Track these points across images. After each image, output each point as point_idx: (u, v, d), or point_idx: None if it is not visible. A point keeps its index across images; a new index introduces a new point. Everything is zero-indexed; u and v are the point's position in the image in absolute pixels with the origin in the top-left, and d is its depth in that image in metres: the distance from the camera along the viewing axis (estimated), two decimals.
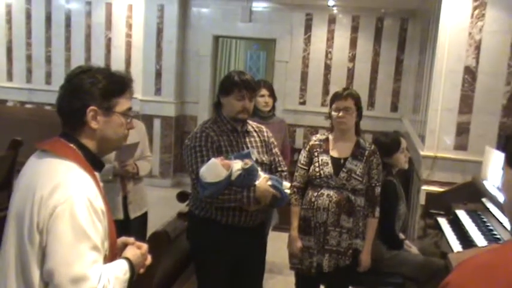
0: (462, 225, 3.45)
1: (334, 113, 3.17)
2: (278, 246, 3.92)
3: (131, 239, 1.89)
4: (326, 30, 7.08)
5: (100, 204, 1.66)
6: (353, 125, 3.20)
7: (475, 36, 4.29)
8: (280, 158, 3.08)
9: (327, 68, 7.13)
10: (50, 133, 1.81)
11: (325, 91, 7.06)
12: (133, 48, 7.61)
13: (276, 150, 3.07)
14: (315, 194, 3.16)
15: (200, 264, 3.00)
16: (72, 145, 1.72)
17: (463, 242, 3.25)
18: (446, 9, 4.33)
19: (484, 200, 3.63)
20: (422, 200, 4.37)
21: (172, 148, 7.48)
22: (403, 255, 3.44)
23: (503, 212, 3.23)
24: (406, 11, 6.79)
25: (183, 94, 7.57)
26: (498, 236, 3.13)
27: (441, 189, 4.27)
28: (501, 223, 3.18)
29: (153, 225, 3.18)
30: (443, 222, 3.73)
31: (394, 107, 7.05)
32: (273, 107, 4.30)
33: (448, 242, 3.34)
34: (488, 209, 3.49)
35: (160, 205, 4.92)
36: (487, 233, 3.22)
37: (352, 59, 7.05)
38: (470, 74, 4.34)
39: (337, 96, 3.19)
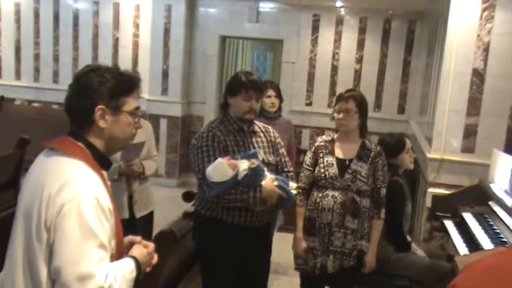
0: (469, 228, 3.43)
1: (335, 115, 3.18)
2: (283, 247, 3.92)
3: (138, 238, 1.90)
4: (333, 31, 7.07)
5: (107, 202, 1.67)
6: (355, 127, 3.19)
7: (483, 38, 4.27)
8: (287, 159, 3.08)
9: (334, 69, 7.12)
10: (57, 132, 1.82)
11: (332, 92, 7.04)
12: (141, 48, 7.63)
13: (282, 150, 3.07)
14: (320, 195, 3.15)
15: (206, 263, 3.00)
16: (80, 144, 1.73)
17: (470, 245, 3.23)
18: (454, 11, 4.31)
19: (491, 203, 3.61)
20: (428, 202, 4.35)
21: (178, 148, 7.49)
22: (410, 258, 3.43)
23: (510, 215, 3.21)
24: (414, 13, 6.77)
25: (190, 94, 7.58)
26: (505, 240, 3.12)
27: (448, 192, 4.25)
28: (508, 226, 3.16)
29: (159, 225, 3.19)
30: (449, 225, 3.72)
31: (401, 109, 7.03)
32: (280, 108, 4.30)
33: (454, 245, 3.33)
34: (495, 212, 3.47)
35: (166, 205, 4.93)
36: (494, 236, 3.20)
37: (360, 60, 7.04)
38: (478, 76, 4.32)
39: (339, 98, 3.20)
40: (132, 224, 3.56)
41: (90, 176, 1.66)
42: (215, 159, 2.72)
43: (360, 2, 6.80)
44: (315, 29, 7.11)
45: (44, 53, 8.02)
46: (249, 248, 2.90)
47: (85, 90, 1.71)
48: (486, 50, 4.28)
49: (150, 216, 3.85)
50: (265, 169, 2.81)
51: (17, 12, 8.05)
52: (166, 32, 7.27)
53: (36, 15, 7.97)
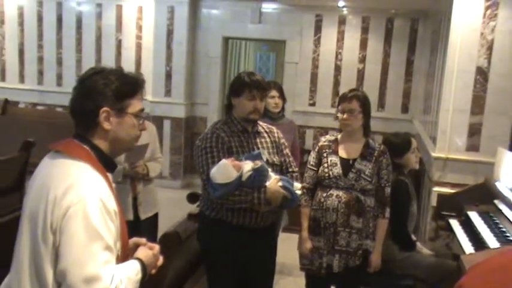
0: (474, 226, 3.42)
1: (339, 115, 3.18)
2: (288, 248, 3.91)
3: (143, 240, 1.90)
4: (336, 31, 7.06)
5: (113, 204, 1.67)
6: (359, 126, 3.19)
7: (487, 37, 4.26)
8: (291, 159, 3.08)
9: (337, 69, 7.11)
10: (62, 134, 1.82)
11: (335, 92, 7.04)
12: (144, 50, 7.65)
13: (286, 151, 3.07)
14: (324, 194, 3.15)
15: (211, 265, 3.00)
16: (85, 146, 1.73)
17: (475, 243, 3.22)
18: (458, 9, 4.30)
19: (496, 201, 3.60)
20: (433, 201, 4.34)
21: (182, 149, 7.50)
22: (415, 257, 3.42)
23: None
24: (417, 12, 6.76)
25: (193, 95, 7.59)
26: (511, 238, 3.11)
27: (453, 191, 4.24)
28: None
29: (164, 227, 3.20)
30: (454, 223, 3.71)
31: (405, 108, 7.02)
32: (283, 108, 4.30)
33: (459, 244, 3.32)
34: (500, 210, 3.46)
35: (170, 206, 4.93)
36: (500, 235, 3.19)
37: (362, 60, 7.03)
38: (482, 74, 4.31)
39: (342, 98, 3.20)
40: (136, 226, 3.56)
41: (95, 178, 1.66)
42: (219, 160, 2.72)
43: (363, 2, 6.79)
44: (318, 29, 7.11)
45: (47, 56, 8.05)
46: (254, 248, 2.89)
47: (89, 92, 1.72)
48: (490, 48, 4.27)
49: (155, 218, 3.85)
50: (270, 170, 2.81)
51: (21, 16, 8.08)
52: (169, 33, 7.27)
53: (40, 18, 8.00)
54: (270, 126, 3.14)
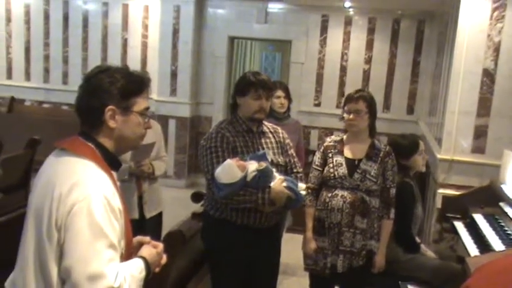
0: (479, 229, 3.41)
1: (345, 115, 3.17)
2: (292, 248, 3.91)
3: (147, 238, 1.90)
4: (342, 31, 7.05)
5: (117, 203, 1.67)
6: (365, 127, 3.19)
7: (494, 38, 4.25)
8: (296, 159, 3.08)
9: (343, 69, 7.10)
10: (67, 133, 1.83)
11: (341, 93, 7.03)
12: (149, 49, 7.67)
13: (291, 151, 3.07)
14: (329, 194, 3.15)
15: (214, 264, 3.00)
16: (90, 144, 1.73)
17: (480, 246, 3.21)
18: (464, 11, 4.28)
19: (501, 204, 3.59)
20: (438, 203, 4.33)
21: (187, 149, 7.51)
22: (419, 259, 3.41)
23: None
24: (423, 13, 6.74)
25: (198, 95, 7.60)
26: None
27: (458, 193, 4.22)
28: None
29: (168, 226, 3.20)
30: (459, 226, 3.70)
31: (410, 110, 7.00)
32: (288, 108, 4.30)
33: (464, 246, 3.31)
34: (506, 213, 3.45)
35: (175, 205, 4.94)
36: (505, 237, 3.18)
37: (368, 60, 7.02)
38: (488, 76, 4.29)
39: (349, 99, 3.19)
40: (141, 225, 3.56)
41: (100, 176, 1.67)
42: (224, 160, 2.72)
43: (369, 2, 6.78)
44: (324, 29, 7.10)
45: (53, 54, 8.08)
46: (258, 248, 2.89)
47: (95, 90, 1.72)
48: (497, 50, 4.25)
49: (159, 217, 3.85)
50: (274, 170, 2.81)
51: (27, 14, 8.11)
52: (175, 32, 7.29)
53: (46, 17, 8.03)
54: (274, 126, 3.13)
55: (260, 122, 2.97)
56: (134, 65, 7.25)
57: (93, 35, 7.87)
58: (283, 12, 7.22)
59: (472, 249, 3.21)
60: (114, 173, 1.77)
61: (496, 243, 3.11)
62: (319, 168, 3.25)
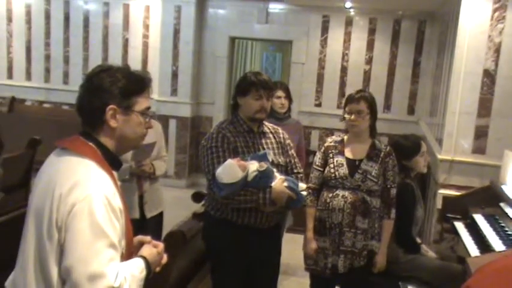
0: (480, 229, 3.41)
1: (346, 116, 3.17)
2: (292, 248, 3.91)
3: (148, 238, 1.90)
4: (343, 32, 7.06)
5: (118, 202, 1.67)
6: (366, 127, 3.19)
7: (494, 39, 4.25)
8: (296, 160, 3.08)
9: (344, 70, 7.11)
10: (68, 132, 1.83)
11: (341, 93, 7.03)
12: (150, 49, 7.67)
13: (292, 151, 3.07)
14: (330, 195, 3.15)
15: (215, 264, 3.00)
16: (91, 144, 1.73)
17: (481, 246, 3.21)
18: (465, 12, 4.29)
19: (502, 204, 3.59)
20: (439, 204, 4.33)
21: (187, 149, 7.51)
22: (420, 260, 3.41)
23: None
24: (424, 13, 6.74)
25: (199, 95, 7.60)
26: None
27: (458, 193, 4.22)
28: None
29: (168, 226, 3.20)
30: (460, 226, 3.70)
31: (411, 110, 7.00)
32: (289, 109, 4.30)
33: (465, 247, 3.31)
34: (506, 213, 3.45)
35: (175, 205, 4.95)
36: (505, 238, 3.18)
37: (369, 61, 7.02)
38: (489, 77, 4.29)
39: (350, 99, 3.19)
40: (142, 224, 3.57)
41: (100, 176, 1.67)
42: (225, 160, 2.72)
43: (370, 3, 6.78)
44: (325, 29, 7.10)
45: (54, 54, 8.08)
46: (259, 248, 2.89)
47: (96, 90, 1.72)
48: (497, 50, 4.26)
49: (160, 217, 3.86)
50: (275, 170, 2.81)
51: (28, 14, 8.12)
52: (176, 33, 7.29)
53: (47, 17, 8.03)
54: (275, 126, 3.14)
55: (261, 122, 2.98)
56: (135, 65, 7.25)
57: (94, 34, 7.87)
58: (284, 13, 7.22)
59: (473, 249, 3.21)
60: (114, 173, 1.77)
61: (497, 243, 3.11)
62: (319, 169, 3.25)
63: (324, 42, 7.12)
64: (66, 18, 7.95)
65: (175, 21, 7.27)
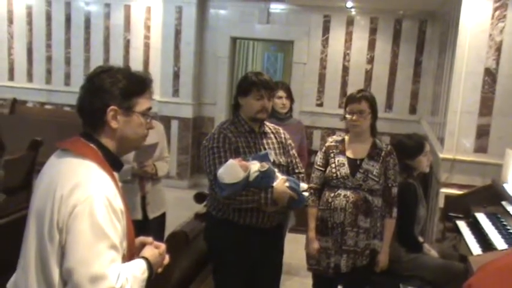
0: (482, 228, 3.41)
1: (348, 116, 3.17)
2: (295, 248, 3.91)
3: (149, 239, 1.90)
4: (344, 32, 7.05)
5: (119, 204, 1.67)
6: (367, 127, 3.19)
7: (495, 38, 4.24)
8: (298, 160, 3.08)
9: (345, 69, 7.10)
10: (69, 134, 1.82)
11: (343, 93, 7.02)
12: (152, 50, 7.67)
13: (293, 151, 3.07)
14: (332, 194, 3.15)
15: (217, 264, 3.00)
16: (92, 145, 1.73)
17: (483, 245, 3.21)
18: (466, 11, 4.28)
19: (504, 203, 3.58)
20: (441, 202, 4.33)
21: (189, 149, 7.51)
22: (422, 258, 3.41)
23: None
24: (425, 13, 6.74)
25: (201, 95, 7.61)
26: None
27: (460, 192, 4.22)
28: None
29: (171, 226, 3.20)
30: (462, 225, 3.70)
31: (413, 109, 7.00)
32: (290, 109, 4.30)
33: (467, 245, 3.31)
34: (508, 212, 3.45)
35: (177, 206, 4.95)
36: (507, 236, 3.18)
37: (371, 60, 7.02)
38: (490, 75, 4.29)
39: (351, 99, 3.19)
40: (144, 225, 3.56)
41: (102, 177, 1.66)
42: (226, 160, 2.72)
43: (371, 3, 6.78)
44: (326, 29, 7.10)
45: (55, 55, 8.09)
46: (261, 249, 2.90)
47: (97, 90, 1.72)
48: (498, 49, 4.25)
49: (162, 218, 3.86)
50: (276, 170, 2.81)
51: (29, 15, 8.13)
52: (177, 33, 7.29)
53: (48, 18, 8.04)
54: (276, 127, 3.14)
55: (262, 123, 2.98)
56: (136, 66, 7.24)
57: (95, 36, 7.88)
58: (285, 13, 7.22)
59: (475, 248, 3.21)
60: (116, 174, 1.78)
61: (499, 242, 3.11)
62: (321, 168, 3.25)
63: (325, 42, 7.12)
64: (67, 20, 7.96)
65: (177, 22, 7.27)
